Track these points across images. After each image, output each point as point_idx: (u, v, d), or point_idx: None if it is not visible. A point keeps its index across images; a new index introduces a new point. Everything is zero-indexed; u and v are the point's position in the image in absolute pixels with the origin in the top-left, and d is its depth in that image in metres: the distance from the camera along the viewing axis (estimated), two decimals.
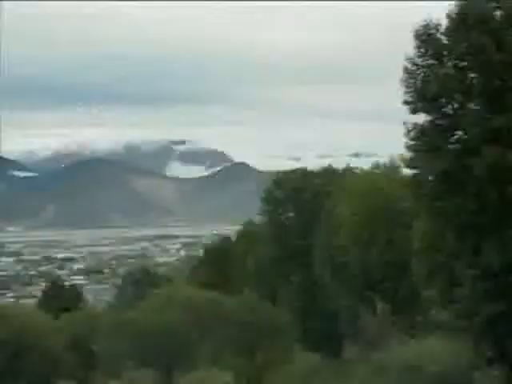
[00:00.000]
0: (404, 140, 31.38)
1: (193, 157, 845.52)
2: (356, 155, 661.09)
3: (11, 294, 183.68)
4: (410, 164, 32.23)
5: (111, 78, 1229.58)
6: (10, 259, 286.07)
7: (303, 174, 65.09)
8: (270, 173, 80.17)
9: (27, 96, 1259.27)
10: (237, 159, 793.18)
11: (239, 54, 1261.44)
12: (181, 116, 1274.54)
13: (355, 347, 47.02)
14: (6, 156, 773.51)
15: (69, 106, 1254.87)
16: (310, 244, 57.24)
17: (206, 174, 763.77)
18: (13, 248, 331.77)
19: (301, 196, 62.53)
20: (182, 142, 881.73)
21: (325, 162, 71.68)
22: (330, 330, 57.07)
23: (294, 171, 66.75)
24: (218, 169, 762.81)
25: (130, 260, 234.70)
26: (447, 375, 21.80)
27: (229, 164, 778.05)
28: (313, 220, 57.81)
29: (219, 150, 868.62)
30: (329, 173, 64.19)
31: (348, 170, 62.49)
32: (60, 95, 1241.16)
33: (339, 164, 68.38)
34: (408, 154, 31.84)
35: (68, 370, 44.20)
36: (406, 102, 31.36)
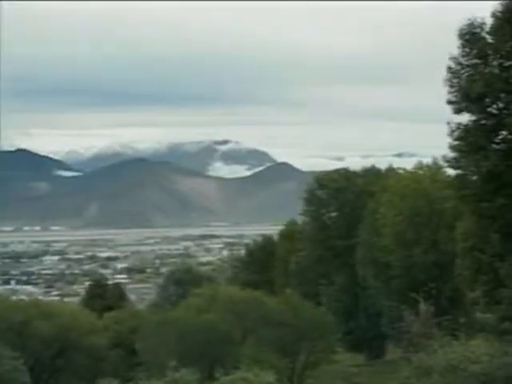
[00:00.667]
0: (447, 140, 31.13)
1: (235, 157, 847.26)
2: (399, 155, 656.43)
3: (56, 293, 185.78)
4: (453, 164, 31.94)
5: (155, 78, 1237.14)
6: (55, 258, 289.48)
7: (346, 174, 64.85)
8: (312, 173, 79.98)
9: (73, 97, 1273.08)
10: (279, 159, 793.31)
11: (284, 54, 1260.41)
12: (224, 116, 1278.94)
13: (398, 348, 46.73)
14: (51, 156, 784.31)
15: (113, 106, 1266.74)
16: (352, 244, 57.02)
17: (248, 174, 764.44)
18: (57, 247, 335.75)
19: (343, 196, 62.32)
20: (225, 142, 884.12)
21: (367, 162, 71.40)
22: (373, 330, 56.79)
23: (336, 171, 66.53)
24: (261, 169, 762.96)
25: (172, 259, 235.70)
26: (492, 376, 21.57)
27: (271, 164, 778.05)
28: (355, 220, 57.58)
29: (262, 150, 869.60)
30: (371, 173, 63.87)
31: (391, 170, 62.09)
32: (105, 96, 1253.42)
33: (382, 164, 68.03)
34: (452, 154, 31.57)
35: (111, 369, 44.53)
36: (449, 102, 31.08)
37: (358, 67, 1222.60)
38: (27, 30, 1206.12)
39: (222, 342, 41.72)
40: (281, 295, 51.52)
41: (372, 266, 52.86)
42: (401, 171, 58.92)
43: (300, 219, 69.29)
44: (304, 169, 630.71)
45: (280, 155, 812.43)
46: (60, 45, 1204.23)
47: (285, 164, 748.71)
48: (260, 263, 74.75)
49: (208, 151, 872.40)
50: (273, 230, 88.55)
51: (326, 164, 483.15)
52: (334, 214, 64.06)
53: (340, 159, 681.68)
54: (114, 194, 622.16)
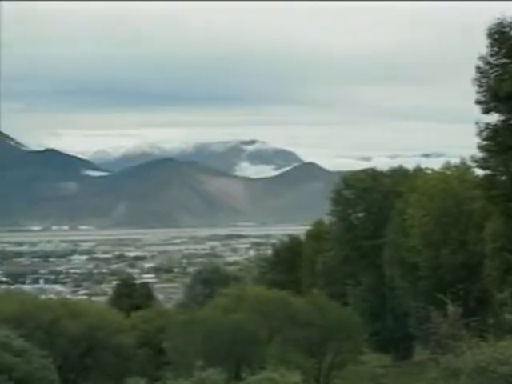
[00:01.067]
0: (476, 140, 30.95)
1: (262, 157, 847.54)
2: (426, 155, 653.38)
3: (83, 292, 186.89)
4: (482, 164, 31.78)
5: (183, 78, 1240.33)
6: (83, 257, 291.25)
7: (373, 174, 64.66)
8: (339, 173, 79.80)
9: (101, 97, 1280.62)
10: (306, 159, 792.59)
11: (310, 54, 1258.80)
12: (251, 116, 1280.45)
13: (425, 350, 46.49)
14: (79, 156, 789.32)
15: (141, 106, 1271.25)
16: (379, 244, 56.84)
17: (275, 174, 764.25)
18: (85, 246, 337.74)
19: (370, 196, 62.14)
20: (252, 142, 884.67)
21: (395, 162, 71.15)
22: (400, 331, 56.57)
23: (363, 171, 66.35)
24: (288, 169, 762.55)
25: (199, 259, 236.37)
26: None
27: (298, 164, 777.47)
28: (383, 220, 57.40)
29: (289, 149, 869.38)
30: (399, 173, 63.64)
31: (418, 171, 61.81)
32: (133, 96, 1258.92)
33: (409, 164, 67.76)
34: (480, 154, 31.37)
35: (139, 368, 44.69)
36: (478, 102, 30.91)
37: (384, 67, 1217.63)
38: (56, 30, 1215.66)
39: (249, 341, 41.74)
40: (307, 295, 51.46)
41: (399, 267, 52.66)
42: (428, 171, 58.62)
43: (327, 219, 69.20)
44: (331, 169, 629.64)
45: (307, 155, 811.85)
46: (88, 45, 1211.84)
47: (312, 164, 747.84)
48: (287, 263, 74.75)
49: (235, 151, 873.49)
50: (300, 230, 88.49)
51: (353, 164, 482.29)
52: (361, 214, 63.90)
53: (367, 159, 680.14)
54: (141, 193, 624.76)
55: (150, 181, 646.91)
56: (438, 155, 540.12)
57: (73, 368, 44.98)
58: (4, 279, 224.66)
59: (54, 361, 38.61)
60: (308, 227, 75.67)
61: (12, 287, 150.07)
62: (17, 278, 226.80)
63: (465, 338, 22.84)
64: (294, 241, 78.46)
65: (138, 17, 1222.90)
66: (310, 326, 44.30)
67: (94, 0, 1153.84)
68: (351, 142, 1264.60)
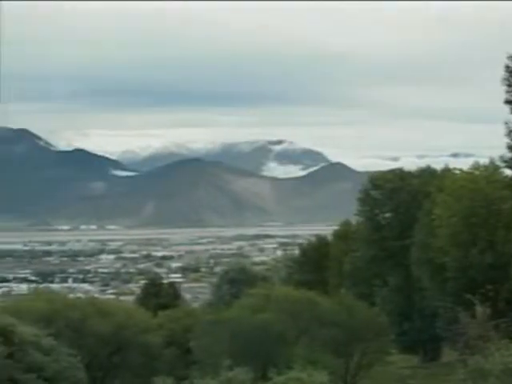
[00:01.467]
0: (505, 140, 30.72)
1: (290, 157, 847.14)
2: (454, 155, 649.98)
3: (111, 291, 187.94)
4: (511, 164, 31.52)
5: (210, 78, 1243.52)
6: (111, 257, 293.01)
7: (401, 174, 64.36)
8: (367, 173, 79.57)
9: (129, 97, 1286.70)
10: (334, 159, 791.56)
11: (339, 55, 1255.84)
12: (278, 116, 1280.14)
13: (453, 351, 46.24)
14: (107, 156, 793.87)
15: (168, 106, 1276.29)
16: (407, 245, 56.59)
17: (302, 174, 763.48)
18: (113, 246, 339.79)
19: (398, 196, 61.88)
20: (280, 142, 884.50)
21: (423, 163, 70.76)
22: (428, 332, 56.28)
23: (391, 171, 66.06)
24: (315, 169, 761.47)
25: (226, 259, 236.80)
26: None
27: (326, 164, 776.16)
28: (410, 221, 57.13)
29: (316, 150, 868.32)
30: (427, 173, 63.30)
31: (446, 171, 61.42)
32: (160, 96, 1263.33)
33: (437, 164, 67.31)
34: (509, 155, 31.14)
35: (166, 367, 44.85)
36: (507, 102, 30.70)
37: (412, 67, 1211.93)
38: (85, 31, 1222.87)
39: (276, 341, 41.74)
40: (335, 295, 51.37)
41: (427, 267, 52.38)
42: (457, 171, 58.24)
43: (354, 219, 69.03)
44: (358, 169, 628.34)
45: (334, 155, 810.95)
46: (118, 45, 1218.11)
47: (339, 164, 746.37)
48: (314, 263, 74.63)
49: (262, 151, 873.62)
50: (327, 230, 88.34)
51: (381, 164, 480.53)
52: (388, 215, 63.64)
53: (395, 159, 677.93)
54: (168, 193, 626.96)
55: (177, 181, 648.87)
56: (467, 155, 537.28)
57: (101, 367, 45.21)
58: (33, 278, 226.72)
59: (82, 359, 38.83)
60: (335, 227, 75.53)
61: (41, 286, 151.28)
62: (46, 277, 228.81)
63: (493, 339, 22.69)
64: (322, 241, 78.32)
65: (165, 17, 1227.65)
66: (337, 327, 44.21)
67: (123, 0, 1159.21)
68: (379, 142, 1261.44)
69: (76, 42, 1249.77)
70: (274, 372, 32.37)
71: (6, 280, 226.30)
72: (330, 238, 76.53)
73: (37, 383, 33.80)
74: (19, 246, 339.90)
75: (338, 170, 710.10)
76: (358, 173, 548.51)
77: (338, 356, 43.59)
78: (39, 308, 43.72)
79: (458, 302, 40.62)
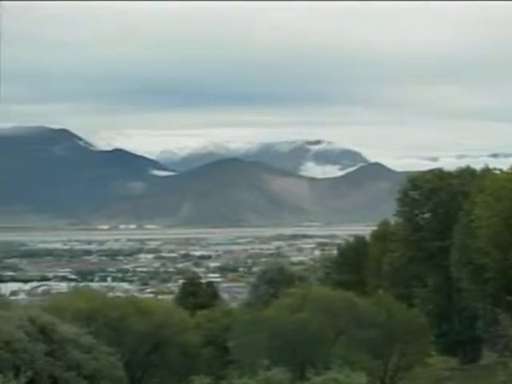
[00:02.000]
0: None
1: (328, 157, 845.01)
2: (494, 155, 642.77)
3: (150, 290, 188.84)
4: None
5: (248, 78, 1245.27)
6: (150, 256, 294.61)
7: (440, 174, 63.92)
8: (406, 173, 79.13)
9: (167, 97, 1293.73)
10: (372, 159, 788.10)
11: (378, 54, 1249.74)
12: (317, 116, 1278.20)
13: (493, 353, 45.80)
14: (146, 156, 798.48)
15: (207, 106, 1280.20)
16: (446, 246, 56.18)
17: (341, 174, 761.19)
18: (152, 245, 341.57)
19: (437, 197, 61.45)
20: (318, 142, 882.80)
21: (462, 163, 70.21)
22: (467, 334, 55.85)
23: (430, 172, 65.64)
24: (354, 169, 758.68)
25: (264, 259, 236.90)
26: None
27: (364, 164, 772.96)
28: (450, 221, 56.70)
29: (355, 150, 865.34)
30: (466, 173, 62.79)
31: (486, 171, 60.85)
32: (199, 96, 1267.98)
33: (477, 164, 66.72)
34: None
35: (204, 366, 44.98)
36: None
37: (450, 66, 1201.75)
38: (123, 31, 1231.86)
39: (314, 341, 41.69)
40: (373, 296, 51.15)
41: (467, 268, 51.95)
42: (497, 172, 57.67)
43: (393, 220, 68.68)
44: (397, 169, 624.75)
45: (373, 155, 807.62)
46: (157, 46, 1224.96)
47: (378, 164, 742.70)
48: (352, 264, 74.37)
49: (300, 151, 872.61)
50: (365, 230, 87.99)
51: (420, 164, 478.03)
52: (427, 215, 63.23)
53: (434, 159, 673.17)
54: (207, 193, 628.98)
55: (215, 180, 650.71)
56: (507, 155, 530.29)
57: (139, 365, 45.45)
58: (73, 277, 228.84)
59: (121, 358, 39.10)
60: (373, 228, 75.21)
61: (80, 285, 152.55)
62: (85, 275, 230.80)
63: None
64: (360, 241, 78.03)
65: (206, 17, 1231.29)
66: (376, 327, 44.03)
67: (165, 0, 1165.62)
68: (418, 142, 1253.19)
69: (117, 43, 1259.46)
70: (312, 372, 32.31)
71: (46, 278, 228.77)
72: (368, 238, 76.23)
73: (76, 381, 34.12)
74: (59, 245, 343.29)
75: (377, 170, 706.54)
76: (397, 173, 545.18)
77: (376, 357, 43.40)
78: (79, 306, 44.07)
79: (497, 303, 40.28)
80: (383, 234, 69.98)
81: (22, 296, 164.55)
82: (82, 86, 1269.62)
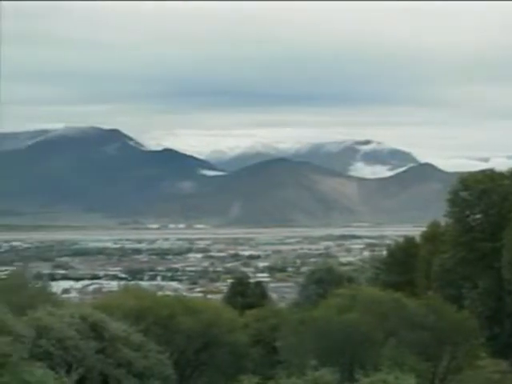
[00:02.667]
0: None
1: (377, 157, 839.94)
2: None
3: (199, 289, 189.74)
4: None
5: (297, 78, 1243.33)
6: (199, 255, 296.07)
7: (491, 175, 63.16)
8: (456, 174, 78.33)
9: (217, 98, 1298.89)
10: (422, 160, 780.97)
11: (426, 54, 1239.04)
12: (367, 116, 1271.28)
13: None
14: (195, 156, 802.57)
15: (256, 106, 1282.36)
16: (498, 247, 55.52)
17: (390, 174, 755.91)
18: (201, 244, 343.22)
19: (489, 198, 60.75)
20: (367, 142, 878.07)
21: None
22: None
23: (481, 172, 64.90)
24: (403, 169, 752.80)
25: (313, 259, 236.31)
26: None
27: (414, 165, 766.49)
28: (501, 222, 56.04)
29: (404, 150, 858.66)
30: None
31: None
32: (248, 96, 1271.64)
33: None
34: None
35: (252, 366, 45.05)
36: None
37: (501, 66, 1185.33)
38: (175, 32, 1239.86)
39: (362, 342, 41.51)
40: (423, 297, 50.73)
41: None
42: None
43: (443, 221, 68.05)
44: (448, 169, 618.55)
45: (423, 156, 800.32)
46: (207, 46, 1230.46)
47: (428, 164, 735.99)
48: (401, 264, 73.78)
49: (350, 151, 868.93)
50: (415, 231, 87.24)
51: (471, 165, 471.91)
52: (478, 216, 62.54)
53: (485, 160, 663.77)
54: (256, 193, 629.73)
55: (264, 180, 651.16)
56: None
57: (188, 364, 45.69)
58: (123, 275, 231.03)
59: (171, 356, 39.41)
60: (423, 228, 74.58)
61: (130, 283, 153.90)
62: (135, 274, 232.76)
63: None
64: (409, 242, 77.39)
65: (254, 17, 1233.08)
66: (425, 329, 43.68)
67: (215, 0, 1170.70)
68: (468, 142, 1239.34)
69: (166, 44, 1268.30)
70: (361, 373, 32.24)
71: (97, 277, 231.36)
72: (418, 239, 75.59)
73: (127, 379, 34.50)
74: (110, 244, 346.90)
75: (427, 171, 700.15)
76: (447, 173, 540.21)
77: (425, 359, 43.02)
78: (129, 305, 44.46)
79: None
80: (433, 235, 69.34)
81: (73, 294, 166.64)
82: (133, 86, 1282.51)
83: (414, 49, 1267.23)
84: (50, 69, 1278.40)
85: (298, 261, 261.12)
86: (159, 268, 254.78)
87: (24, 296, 40.91)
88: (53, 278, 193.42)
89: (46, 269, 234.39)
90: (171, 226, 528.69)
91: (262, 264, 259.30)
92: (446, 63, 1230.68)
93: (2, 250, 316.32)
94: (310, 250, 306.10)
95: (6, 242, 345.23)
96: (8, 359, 26.68)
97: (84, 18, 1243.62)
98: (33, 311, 34.35)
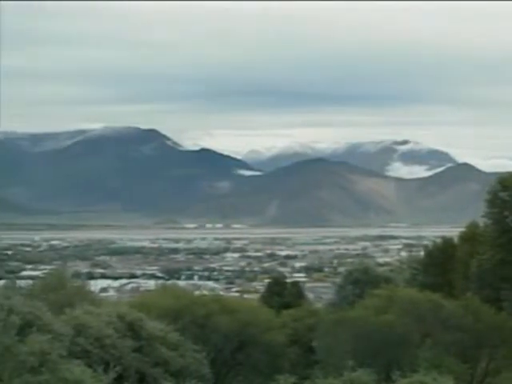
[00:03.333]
0: None
1: (415, 157, 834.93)
2: None
3: (236, 289, 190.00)
4: None
5: (335, 78, 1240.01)
6: (236, 255, 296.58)
7: None
8: (495, 174, 77.52)
9: (254, 98, 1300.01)
10: (461, 160, 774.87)
11: (464, 54, 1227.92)
12: (404, 116, 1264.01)
13: None
14: (232, 156, 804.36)
15: (293, 107, 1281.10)
16: None
17: (428, 174, 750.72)
18: (238, 244, 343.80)
19: None
20: (405, 143, 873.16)
21: None
22: None
23: None
24: (441, 169, 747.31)
25: (350, 259, 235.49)
26: None
27: (452, 165, 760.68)
28: None
29: (443, 150, 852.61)
30: None
31: None
32: (285, 96, 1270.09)
33: None
34: None
35: (288, 365, 45.01)
36: None
37: None
38: (213, 32, 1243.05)
39: (399, 343, 41.30)
40: (460, 299, 50.33)
41: None
42: None
43: (482, 221, 67.41)
44: (486, 170, 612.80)
45: (461, 156, 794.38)
46: (244, 46, 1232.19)
47: (466, 165, 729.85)
48: (439, 266, 73.22)
49: (387, 151, 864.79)
50: (453, 231, 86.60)
51: (510, 165, 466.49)
52: None
53: None
54: (293, 193, 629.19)
55: (301, 180, 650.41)
56: None
57: (225, 363, 45.78)
58: (160, 275, 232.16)
59: (207, 356, 39.50)
60: (461, 229, 73.96)
61: (168, 283, 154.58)
62: (172, 273, 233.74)
63: None
64: (447, 243, 76.78)
65: (293, 18, 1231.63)
66: (463, 331, 43.34)
67: (251, 0, 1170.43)
68: (508, 142, 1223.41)
69: (203, 44, 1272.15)
70: (398, 374, 32.06)
71: (134, 276, 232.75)
72: (456, 240, 74.99)
73: (163, 377, 34.66)
74: (147, 243, 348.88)
75: (465, 171, 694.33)
76: (486, 174, 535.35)
77: (463, 361, 42.69)
78: (166, 304, 44.66)
79: None
80: (471, 236, 68.70)
81: (111, 293, 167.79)
82: (170, 86, 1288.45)
83: (453, 48, 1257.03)
84: (89, 69, 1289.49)
85: (335, 261, 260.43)
86: (196, 267, 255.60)
87: (63, 295, 41.27)
88: (91, 276, 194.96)
89: (84, 268, 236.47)
90: (208, 225, 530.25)
91: (298, 264, 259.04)
92: (486, 63, 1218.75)
93: (41, 248, 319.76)
94: (346, 250, 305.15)
95: (46, 241, 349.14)
96: (47, 357, 26.97)
97: (120, 16, 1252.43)
98: (71, 310, 34.67)
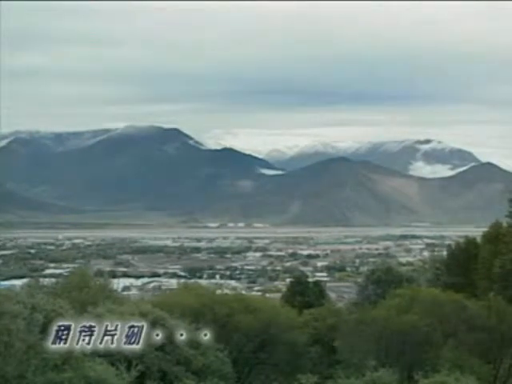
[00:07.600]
0: None
1: (438, 156, 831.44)
2: None
3: (257, 288, 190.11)
4: None
5: (356, 77, 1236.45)
6: (258, 254, 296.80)
7: None
8: None
9: (276, 97, 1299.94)
10: (484, 159, 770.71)
11: (488, 53, 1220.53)
12: (427, 115, 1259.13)
13: None
14: (254, 155, 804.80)
15: (316, 106, 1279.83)
16: None
17: (451, 173, 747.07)
18: (260, 243, 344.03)
19: None
20: (428, 142, 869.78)
21: None
22: None
23: None
24: (464, 169, 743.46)
25: (372, 259, 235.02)
26: None
27: (476, 164, 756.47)
28: None
29: (466, 149, 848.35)
30: None
31: None
32: (307, 96, 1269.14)
33: None
34: None
35: (310, 365, 44.97)
36: None
37: None
38: (237, 32, 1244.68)
39: (422, 343, 41.17)
40: (483, 299, 50.07)
41: None
42: None
43: (506, 221, 67.02)
44: (510, 169, 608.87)
45: (485, 155, 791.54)
46: (266, 46, 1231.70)
47: (490, 164, 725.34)
48: (462, 265, 72.89)
49: (410, 150, 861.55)
50: (476, 231, 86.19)
51: None
52: None
53: None
54: (315, 192, 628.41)
55: (323, 180, 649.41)
56: None
57: (246, 362, 45.81)
58: (182, 273, 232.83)
59: (229, 354, 39.56)
60: (484, 229, 73.56)
61: (190, 281, 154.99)
62: (194, 272, 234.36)
63: None
64: (470, 243, 76.38)
65: (314, 17, 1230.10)
66: (486, 331, 43.11)
67: (274, 0, 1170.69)
68: None
69: (227, 43, 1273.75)
70: (420, 374, 31.98)
71: (156, 275, 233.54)
72: (479, 239, 74.59)
73: (185, 376, 34.76)
74: (169, 242, 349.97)
75: (489, 170, 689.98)
76: (510, 173, 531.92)
77: (486, 361, 42.48)
78: (188, 302, 44.75)
79: None
80: (495, 236, 68.29)
81: (133, 291, 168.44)
82: (193, 85, 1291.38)
83: (478, 47, 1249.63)
84: (113, 69, 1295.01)
85: (357, 260, 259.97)
86: (218, 266, 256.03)
87: (86, 293, 41.51)
88: (114, 275, 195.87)
89: (107, 266, 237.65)
90: (230, 224, 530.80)
91: (320, 263, 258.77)
92: (509, 61, 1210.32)
93: (64, 247, 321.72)
94: (369, 249, 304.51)
95: (69, 239, 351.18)
96: (70, 355, 27.14)
97: (145, 17, 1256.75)
98: (94, 308, 34.85)
